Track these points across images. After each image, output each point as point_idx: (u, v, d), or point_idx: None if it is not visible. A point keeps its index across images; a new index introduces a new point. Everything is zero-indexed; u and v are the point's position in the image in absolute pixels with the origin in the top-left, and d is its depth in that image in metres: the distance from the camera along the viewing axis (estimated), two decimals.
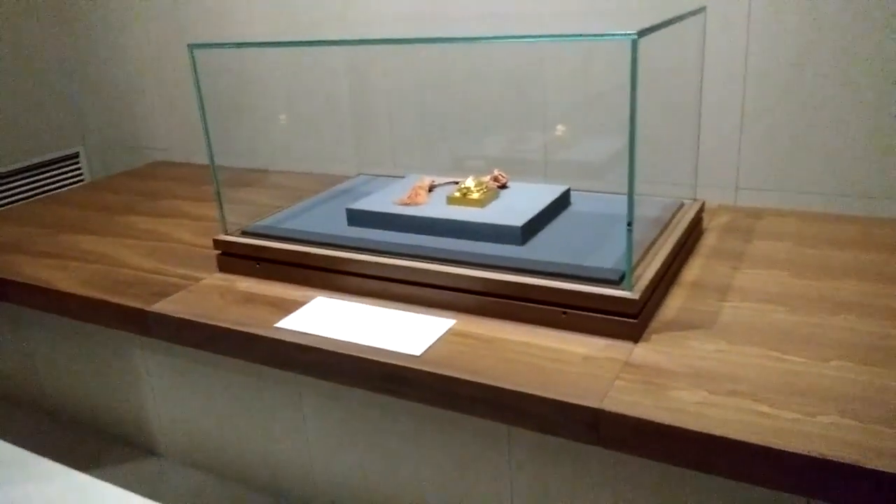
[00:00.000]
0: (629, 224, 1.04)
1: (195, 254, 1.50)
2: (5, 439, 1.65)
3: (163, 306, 1.26)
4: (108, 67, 2.36)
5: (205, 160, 1.46)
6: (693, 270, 1.25)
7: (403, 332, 1.10)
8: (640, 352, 1.01)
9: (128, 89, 2.34)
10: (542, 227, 1.28)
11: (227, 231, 1.40)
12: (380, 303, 1.21)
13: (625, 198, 1.47)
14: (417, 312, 1.16)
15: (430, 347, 1.05)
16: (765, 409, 0.85)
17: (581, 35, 1.21)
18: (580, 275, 1.09)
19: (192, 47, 1.31)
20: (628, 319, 1.03)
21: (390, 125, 1.88)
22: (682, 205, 1.39)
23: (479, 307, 1.14)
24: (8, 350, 1.73)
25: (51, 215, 1.84)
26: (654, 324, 1.07)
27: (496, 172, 1.41)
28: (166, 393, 1.47)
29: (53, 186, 2.41)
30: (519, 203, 1.32)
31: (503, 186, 1.41)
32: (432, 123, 1.83)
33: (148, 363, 1.44)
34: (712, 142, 1.54)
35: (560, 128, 1.70)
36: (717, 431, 0.81)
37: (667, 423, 0.84)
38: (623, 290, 1.04)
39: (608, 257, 1.14)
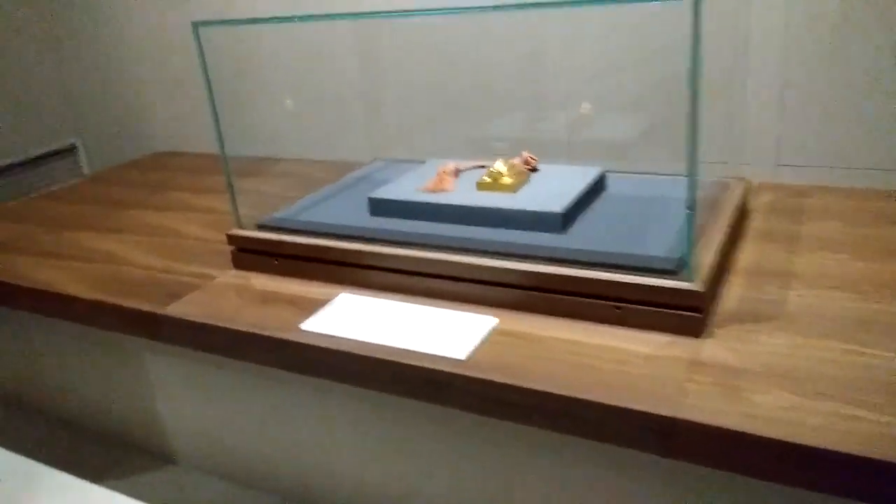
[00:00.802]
0: (690, 207, 0.94)
1: (207, 249, 1.40)
2: (13, 450, 1.57)
3: (176, 309, 1.17)
4: (103, 51, 2.24)
5: (209, 148, 1.36)
6: (746, 255, 1.16)
7: (442, 333, 1.01)
8: (706, 349, 0.92)
9: (125, 75, 2.23)
10: (581, 213, 1.18)
11: (241, 225, 1.30)
12: (411, 299, 1.12)
13: (663, 179, 1.39)
14: (454, 309, 1.07)
15: (475, 350, 0.96)
16: (861, 412, 0.76)
17: None
18: (633, 265, 1.00)
19: (196, 25, 1.20)
20: (691, 313, 0.94)
21: (404, 106, 1.78)
22: (727, 184, 1.30)
23: (523, 303, 1.05)
24: (12, 354, 1.64)
25: (50, 211, 1.74)
26: (715, 316, 0.99)
27: (525, 155, 1.31)
28: (181, 396, 1.38)
29: (51, 182, 2.30)
30: (554, 187, 1.22)
31: (533, 170, 1.31)
32: (449, 103, 1.73)
33: (160, 364, 1.35)
34: (750, 115, 1.45)
35: (585, 105, 1.60)
36: (815, 442, 0.73)
37: (758, 433, 0.75)
38: (684, 280, 0.95)
39: (660, 244, 1.04)
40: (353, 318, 1.08)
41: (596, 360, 0.92)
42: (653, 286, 0.96)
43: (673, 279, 0.96)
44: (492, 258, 1.07)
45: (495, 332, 1.00)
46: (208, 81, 1.24)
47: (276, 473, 1.32)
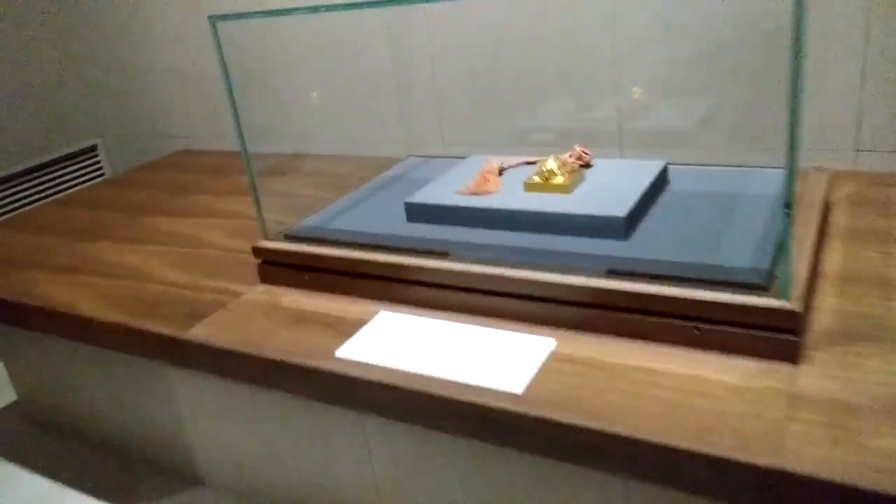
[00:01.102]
0: (787, 205, 0.80)
1: (231, 261, 1.30)
2: (34, 471, 1.49)
3: (199, 332, 1.07)
4: (121, 49, 2.15)
5: (232, 146, 1.26)
6: (835, 258, 1.02)
7: (494, 359, 0.89)
8: (806, 378, 0.79)
9: (144, 72, 2.14)
10: (645, 215, 1.05)
11: (267, 235, 1.19)
12: (456, 317, 1.00)
13: (730, 171, 1.24)
14: (505, 329, 0.96)
15: (532, 381, 0.84)
16: None
17: None
18: (712, 278, 0.87)
19: (213, 20, 1.09)
20: (785, 336, 0.81)
21: (439, 97, 1.65)
22: (804, 174, 1.15)
23: (583, 321, 0.92)
24: (32, 370, 1.56)
25: (68, 220, 1.65)
26: (810, 335, 0.85)
27: (578, 149, 1.18)
28: (211, 417, 1.29)
29: (73, 183, 2.23)
30: (612, 186, 1.09)
31: (586, 165, 1.18)
32: (488, 92, 1.60)
33: (189, 384, 1.25)
34: (825, 95, 1.30)
35: (636, 90, 1.46)
36: None
37: (884, 490, 0.63)
38: (777, 298, 0.82)
39: (743, 253, 0.91)
40: (393, 341, 0.97)
41: (674, 392, 0.80)
42: (739, 305, 0.83)
43: (763, 296, 0.83)
44: (546, 271, 0.95)
45: (554, 358, 0.88)
46: (227, 77, 1.13)
47: (307, 498, 1.22)
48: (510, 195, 1.11)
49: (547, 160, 1.12)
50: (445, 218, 1.12)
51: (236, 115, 1.16)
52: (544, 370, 0.86)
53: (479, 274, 0.98)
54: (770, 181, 1.12)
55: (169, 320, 1.11)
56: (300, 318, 1.07)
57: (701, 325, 0.85)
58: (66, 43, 2.18)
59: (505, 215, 1.06)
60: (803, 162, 1.28)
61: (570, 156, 1.18)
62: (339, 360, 0.95)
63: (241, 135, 1.17)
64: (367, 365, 0.93)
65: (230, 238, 1.41)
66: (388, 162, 1.52)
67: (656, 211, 1.06)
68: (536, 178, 1.11)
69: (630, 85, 1.44)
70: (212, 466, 1.34)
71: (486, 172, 1.18)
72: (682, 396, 0.79)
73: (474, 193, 1.14)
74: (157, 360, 1.14)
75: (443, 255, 1.04)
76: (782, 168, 1.18)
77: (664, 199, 1.11)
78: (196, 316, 1.12)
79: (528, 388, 0.83)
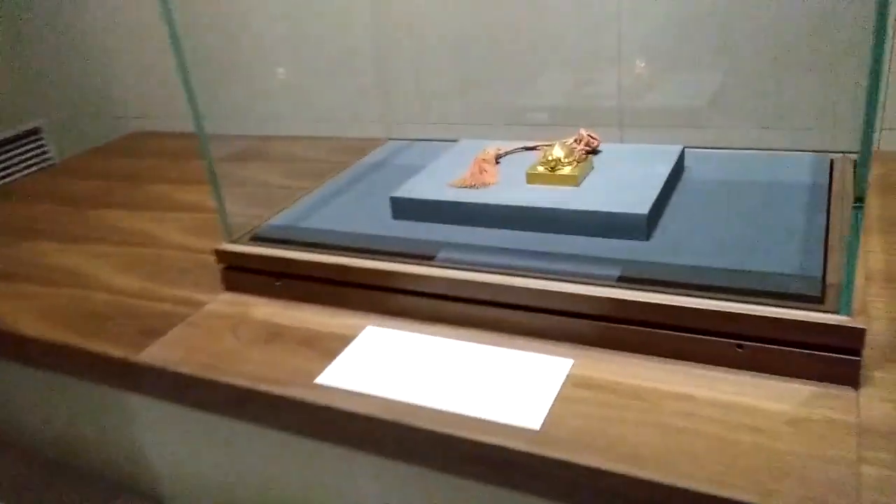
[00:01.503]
0: (859, 200, 0.68)
1: (192, 263, 1.15)
2: None
3: (155, 353, 0.92)
4: (65, 21, 1.95)
5: (192, 127, 1.12)
6: (877, 255, 0.91)
7: (503, 385, 0.77)
8: (870, 405, 0.68)
9: (94, 46, 1.94)
10: (665, 210, 0.93)
11: (231, 236, 1.05)
12: (455, 332, 0.87)
13: (751, 156, 1.09)
14: (513, 347, 0.83)
15: (550, 413, 0.72)
16: None
17: None
18: (755, 288, 0.75)
19: None
20: (845, 356, 0.70)
21: (418, 71, 1.50)
22: (831, 161, 1.04)
23: (604, 338, 0.80)
24: None
25: (5, 215, 1.48)
26: (867, 351, 0.74)
27: (584, 133, 1.05)
28: (175, 444, 1.14)
29: (14, 171, 2.03)
30: (626, 177, 0.96)
31: (593, 152, 1.05)
32: (472, 66, 1.45)
33: (148, 408, 1.11)
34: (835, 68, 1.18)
35: (640, 64, 1.33)
36: None
37: None
38: (835, 312, 0.70)
39: (787, 256, 0.79)
40: (384, 363, 0.83)
41: (718, 425, 0.68)
42: (790, 321, 0.71)
43: (818, 309, 0.71)
44: (559, 279, 0.82)
45: (572, 382, 0.76)
46: (177, 45, 0.98)
47: None
48: (511, 188, 0.98)
49: (553, 147, 0.98)
50: (437, 215, 0.98)
51: (190, 90, 1.00)
52: (562, 399, 0.74)
53: (481, 283, 0.85)
54: (799, 167, 1.00)
55: (119, 338, 0.97)
56: (274, 335, 0.93)
57: (744, 343, 0.73)
58: (1, 16, 1.97)
59: (507, 212, 0.93)
60: (819, 143, 1.18)
61: (576, 140, 1.05)
62: (321, 388, 0.81)
63: (196, 113, 1.02)
64: (354, 394, 0.79)
65: (191, 236, 1.26)
66: (366, 144, 1.37)
67: (677, 204, 0.94)
68: (541, 168, 0.98)
69: (633, 57, 1.31)
70: (179, 494, 1.20)
71: (481, 161, 1.04)
72: (729, 431, 0.67)
73: (470, 186, 1.00)
74: (108, 384, 0.99)
75: (437, 259, 0.91)
76: (807, 151, 1.08)
77: (684, 189, 0.98)
78: (151, 332, 0.97)
79: (546, 422, 0.71)
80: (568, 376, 0.77)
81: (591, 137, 1.05)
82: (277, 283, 1.00)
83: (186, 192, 1.46)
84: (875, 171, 1.12)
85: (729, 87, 1.24)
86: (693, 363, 0.76)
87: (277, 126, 1.63)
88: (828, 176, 0.98)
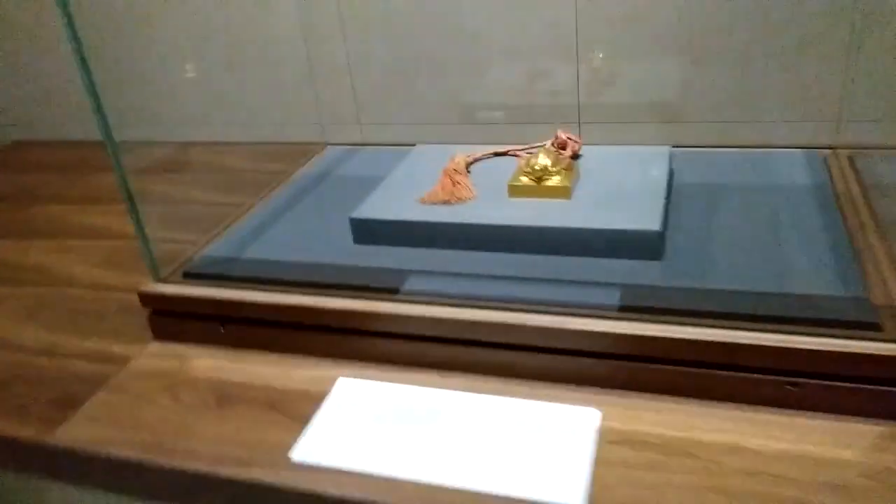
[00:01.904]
0: None
1: (106, 305, 0.96)
2: None
3: (76, 431, 0.74)
4: None
5: (82, 134, 0.92)
6: None
7: (525, 447, 0.64)
8: None
9: None
10: (668, 222, 0.83)
11: (157, 273, 0.87)
12: (448, 380, 0.74)
13: (733, 154, 0.99)
14: (524, 397, 0.70)
15: (591, 483, 0.60)
16: None
17: None
18: (799, 316, 0.66)
19: None
20: None
21: (352, 66, 1.34)
22: (824, 159, 0.97)
23: (631, 379, 0.69)
24: None
25: None
26: None
27: (562, 135, 0.93)
28: None
29: None
30: (619, 185, 0.86)
31: (573, 156, 0.94)
32: (413, 59, 1.31)
33: (71, 496, 0.91)
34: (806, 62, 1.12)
35: (599, 55, 1.23)
36: None
37: None
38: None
39: (823, 275, 0.71)
40: (372, 425, 0.69)
41: (794, 487, 0.58)
42: (851, 353, 0.62)
43: (878, 338, 0.62)
44: (572, 315, 0.70)
45: (607, 438, 0.65)
46: (77, 41, 0.79)
47: None
48: (493, 204, 0.85)
49: (537, 154, 0.86)
50: (409, 238, 0.84)
51: (94, 91, 0.81)
52: (602, 463, 0.62)
53: (476, 321, 0.72)
54: (792, 166, 0.93)
55: (25, 413, 0.77)
56: (225, 397, 0.76)
57: (797, 381, 0.64)
58: None
59: (494, 233, 0.80)
60: (789, 138, 1.12)
61: (554, 144, 0.93)
62: (299, 466, 0.66)
63: (103, 118, 0.82)
64: (344, 473, 0.64)
65: (100, 269, 1.06)
66: (300, 150, 1.21)
67: (678, 215, 0.84)
68: (525, 179, 0.85)
69: (592, 48, 1.20)
70: None
71: (451, 173, 0.91)
72: (806, 492, 0.58)
73: (443, 202, 0.86)
74: (16, 472, 0.80)
75: (416, 293, 0.77)
76: (789, 147, 1.01)
77: (679, 196, 0.88)
78: (65, 401, 0.78)
79: (590, 497, 0.59)
80: (599, 431, 0.65)
81: (572, 139, 0.94)
82: (222, 329, 0.83)
83: (87, 213, 1.24)
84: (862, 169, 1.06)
85: (696, 80, 1.16)
86: (737, 405, 0.66)
87: (193, 131, 1.43)
88: (827, 175, 0.91)
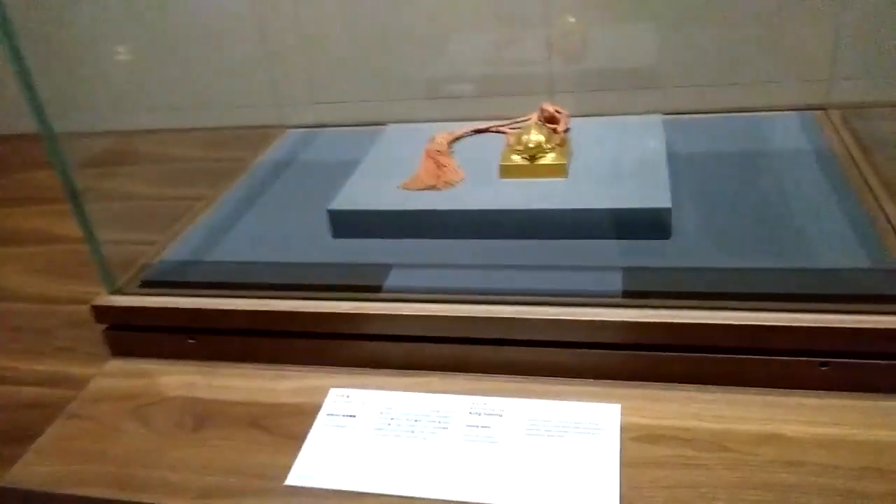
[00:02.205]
0: None
1: (52, 319, 0.87)
2: None
3: (33, 469, 0.65)
4: None
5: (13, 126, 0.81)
6: None
7: (543, 451, 0.59)
8: None
9: None
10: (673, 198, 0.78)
11: (115, 284, 0.77)
12: (450, 383, 0.68)
13: (720, 119, 0.94)
14: (535, 396, 0.65)
15: (622, 488, 0.55)
16: None
17: None
18: (827, 292, 0.62)
19: None
20: None
21: (307, 40, 1.25)
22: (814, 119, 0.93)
23: (649, 369, 0.64)
24: None
25: None
26: None
27: (549, 107, 0.87)
28: None
29: None
30: (616, 159, 0.80)
31: (564, 130, 0.88)
32: (370, 32, 1.22)
33: None
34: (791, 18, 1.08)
35: (570, 20, 1.17)
36: None
37: None
38: None
39: (839, 245, 0.67)
40: (374, 440, 0.63)
41: (841, 476, 0.54)
42: (883, 329, 0.58)
43: None
44: (583, 306, 0.65)
45: (631, 436, 0.59)
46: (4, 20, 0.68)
47: None
48: (484, 186, 0.78)
49: (528, 130, 0.80)
50: (396, 229, 0.77)
51: (26, 75, 0.70)
52: (630, 464, 0.57)
53: (480, 318, 0.66)
54: (785, 129, 0.89)
55: None
56: (203, 417, 0.68)
57: (828, 360, 0.60)
58: None
59: (491, 219, 0.74)
60: (777, 100, 1.08)
61: (539, 118, 0.87)
62: (299, 492, 0.59)
63: (38, 106, 0.72)
64: (353, 495, 0.58)
65: (41, 278, 0.96)
66: (257, 135, 1.12)
67: (679, 186, 0.79)
68: (517, 158, 0.79)
69: (563, 12, 1.14)
70: None
71: (434, 154, 0.84)
72: (847, 478, 0.54)
73: (429, 187, 0.79)
74: None
75: (410, 289, 0.70)
76: (788, 110, 0.97)
77: (678, 167, 0.83)
78: (17, 435, 0.69)
79: (622, 501, 0.54)
80: (622, 428, 0.60)
81: (558, 111, 0.87)
82: (191, 340, 0.75)
83: (18, 217, 1.13)
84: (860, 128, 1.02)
85: (676, 42, 1.11)
86: (766, 390, 0.62)
87: (135, 118, 1.31)
88: (824, 137, 0.87)
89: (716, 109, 1.00)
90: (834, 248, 0.66)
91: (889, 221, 0.69)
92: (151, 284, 0.77)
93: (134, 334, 0.76)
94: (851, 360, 0.60)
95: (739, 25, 1.06)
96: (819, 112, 0.93)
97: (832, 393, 0.61)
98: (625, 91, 1.16)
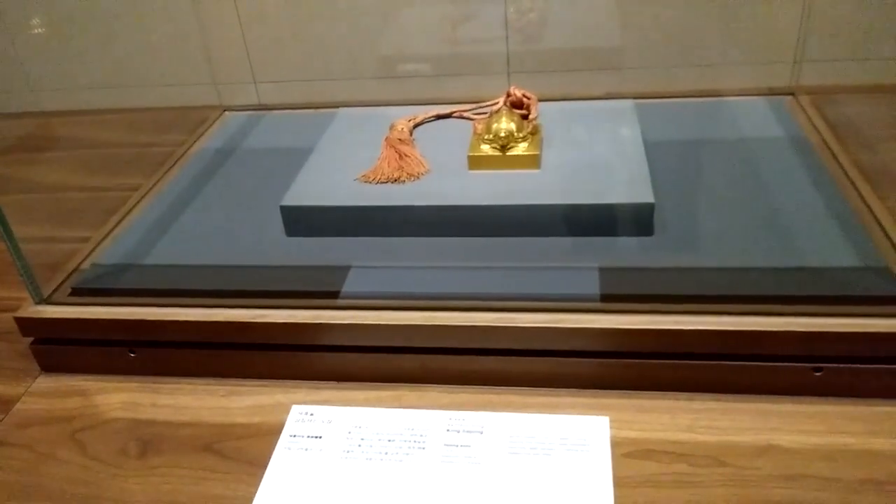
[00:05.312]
0: None
1: None
2: None
3: None
4: None
5: None
6: None
7: (527, 470, 0.55)
8: None
9: None
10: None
11: (41, 293, 0.69)
12: (421, 396, 0.63)
13: (690, 103, 0.90)
14: (513, 409, 0.61)
15: None
16: None
17: None
18: (819, 293, 0.59)
19: None
20: None
21: (241, 12, 1.15)
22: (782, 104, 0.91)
23: (635, 377, 0.61)
24: None
25: None
26: None
27: (517, 91, 0.82)
28: None
29: None
30: (591, 149, 0.76)
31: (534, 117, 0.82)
32: (312, 5, 1.14)
33: None
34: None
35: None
36: None
37: None
38: None
39: (826, 242, 0.64)
40: (342, 464, 0.57)
41: (837, 488, 0.52)
42: (878, 333, 0.56)
43: None
44: (564, 311, 0.60)
45: (621, 451, 0.56)
46: None
47: None
48: (451, 179, 0.73)
49: (498, 117, 0.74)
50: (356, 226, 0.70)
51: None
52: (622, 483, 0.53)
53: (452, 326, 0.61)
54: (753, 114, 0.87)
55: None
56: (148, 441, 0.61)
57: (821, 366, 0.58)
58: None
59: (461, 215, 0.69)
60: (741, 83, 1.05)
61: (506, 102, 0.81)
62: None
63: None
64: None
65: None
66: (190, 116, 1.04)
67: (655, 178, 0.75)
68: (486, 148, 0.74)
69: None
70: None
71: (395, 143, 0.77)
72: (847, 491, 0.52)
73: (392, 180, 0.73)
74: None
75: (373, 294, 0.64)
76: (755, 95, 0.94)
77: (650, 156, 0.79)
78: None
79: None
80: (612, 443, 0.57)
81: (526, 95, 0.82)
82: (131, 354, 0.67)
83: None
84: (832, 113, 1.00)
85: (632, 21, 1.06)
86: (758, 397, 0.59)
87: (52, 99, 1.19)
88: (796, 123, 0.85)
89: (681, 93, 0.97)
90: (823, 247, 0.64)
91: (875, 217, 0.67)
92: (84, 292, 0.69)
93: (65, 348, 0.68)
94: (846, 365, 0.58)
95: (702, 4, 1.03)
96: (789, 97, 0.91)
97: (827, 399, 0.58)
98: (584, 72, 1.12)
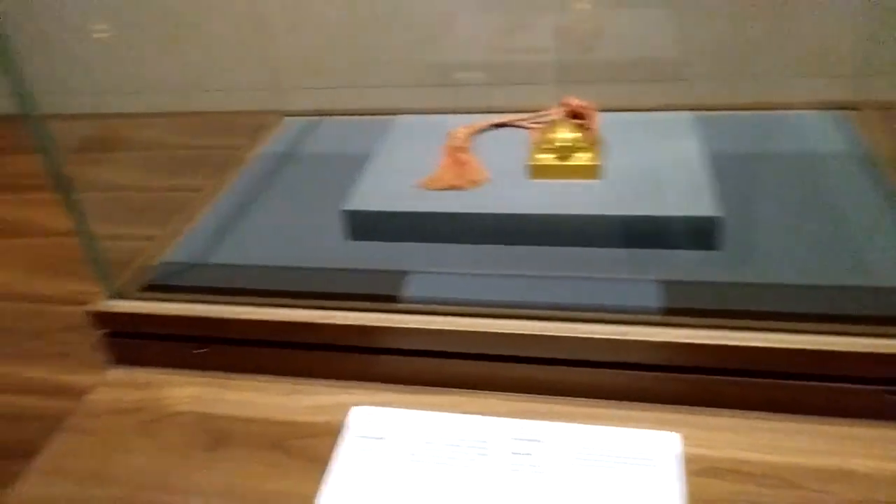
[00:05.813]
0: None
1: (43, 320, 0.80)
2: None
3: (35, 489, 0.60)
4: None
5: None
6: None
7: (597, 484, 0.55)
8: None
9: None
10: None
11: (113, 287, 0.71)
12: (484, 403, 0.64)
13: (750, 116, 0.90)
14: (580, 420, 0.61)
15: None
16: None
17: None
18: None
19: None
20: None
21: (298, 20, 1.17)
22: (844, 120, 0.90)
23: (707, 395, 0.60)
24: None
25: None
26: None
27: (574, 101, 0.82)
28: None
29: None
30: (652, 160, 0.76)
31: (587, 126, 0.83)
32: (368, 13, 1.16)
33: None
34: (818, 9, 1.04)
35: (584, 5, 1.11)
36: None
37: None
38: None
39: None
40: (407, 465, 0.58)
41: None
42: None
43: None
44: (635, 324, 0.61)
45: (693, 469, 0.56)
46: None
47: None
48: (512, 188, 0.74)
49: (557, 127, 0.75)
50: (418, 232, 0.72)
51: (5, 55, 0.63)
52: (692, 500, 0.53)
53: (520, 335, 0.62)
54: (825, 129, 0.85)
55: None
56: (218, 436, 0.63)
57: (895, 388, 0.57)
58: None
59: (524, 223, 0.69)
60: (798, 95, 1.04)
61: (558, 111, 0.82)
62: None
63: (17, 84, 0.65)
64: None
65: (28, 274, 0.89)
66: (250, 121, 1.06)
67: (722, 193, 0.74)
68: (546, 157, 0.74)
69: None
70: None
71: (454, 151, 0.78)
72: None
73: (452, 187, 0.74)
74: None
75: (440, 300, 0.65)
76: (818, 109, 0.92)
77: (715, 170, 0.78)
78: (14, 451, 0.64)
79: None
80: (684, 459, 0.57)
81: (583, 106, 0.82)
82: (203, 350, 0.69)
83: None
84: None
85: (693, 32, 1.06)
86: (828, 419, 0.58)
87: (119, 101, 1.23)
88: (861, 140, 0.83)
89: (739, 105, 0.96)
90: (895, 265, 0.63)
91: None
92: (154, 288, 0.71)
93: (136, 341, 0.71)
94: None
95: (760, 17, 1.02)
96: (854, 111, 0.90)
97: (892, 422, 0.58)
98: (637, 83, 1.12)
